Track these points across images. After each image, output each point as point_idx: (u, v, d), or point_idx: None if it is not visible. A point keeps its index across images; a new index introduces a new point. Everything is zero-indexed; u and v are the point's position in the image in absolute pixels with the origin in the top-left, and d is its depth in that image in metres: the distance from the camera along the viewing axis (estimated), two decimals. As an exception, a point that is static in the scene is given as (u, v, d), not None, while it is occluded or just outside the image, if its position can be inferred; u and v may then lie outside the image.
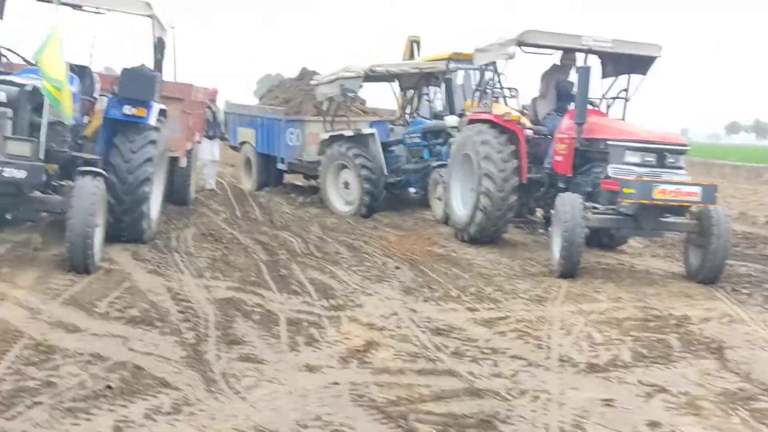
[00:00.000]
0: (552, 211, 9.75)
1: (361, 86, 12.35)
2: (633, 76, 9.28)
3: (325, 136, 12.56)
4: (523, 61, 9.35)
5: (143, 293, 6.02)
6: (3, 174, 5.99)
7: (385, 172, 12.00)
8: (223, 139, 14.08)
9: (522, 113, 9.70)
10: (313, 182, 14.76)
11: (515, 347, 5.39)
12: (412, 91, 13.79)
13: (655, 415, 4.24)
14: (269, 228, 10.07)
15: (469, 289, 7.09)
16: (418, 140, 12.18)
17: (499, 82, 9.75)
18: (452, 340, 5.47)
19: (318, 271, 7.51)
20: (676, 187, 7.45)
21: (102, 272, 6.58)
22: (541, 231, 10.37)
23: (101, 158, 7.66)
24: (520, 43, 8.67)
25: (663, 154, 7.87)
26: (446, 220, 10.71)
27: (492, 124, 9.32)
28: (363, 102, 14.86)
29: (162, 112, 8.45)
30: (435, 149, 11.98)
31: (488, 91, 9.76)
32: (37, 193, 6.54)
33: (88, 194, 6.35)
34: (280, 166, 14.28)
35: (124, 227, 7.74)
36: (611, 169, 7.97)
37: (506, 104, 9.77)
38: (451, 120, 11.35)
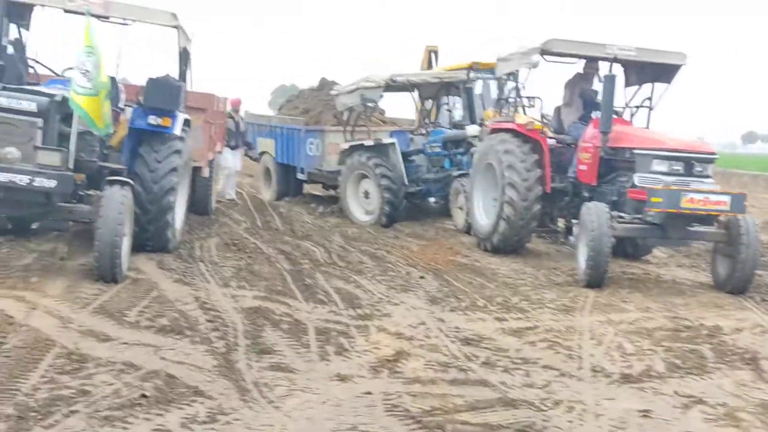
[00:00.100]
0: (574, 221, 9.75)
1: (381, 96, 12.37)
2: (657, 84, 9.21)
3: (346, 146, 12.57)
4: (542, 71, 9.33)
5: (171, 302, 6.03)
6: (33, 183, 6.03)
7: (406, 181, 11.99)
8: (249, 148, 14.09)
9: (542, 122, 9.66)
10: (332, 192, 14.80)
11: (546, 357, 5.34)
12: (430, 100, 13.81)
13: (694, 427, 4.18)
14: (291, 237, 10.07)
15: (496, 298, 7.04)
16: (438, 149, 12.17)
17: (521, 91, 9.72)
18: (482, 350, 5.43)
19: (342, 280, 7.49)
20: (704, 196, 7.37)
21: (129, 281, 6.59)
22: (562, 241, 10.30)
23: (126, 168, 7.70)
24: (544, 52, 8.64)
25: (691, 163, 7.80)
26: (468, 230, 10.67)
27: (515, 133, 9.29)
28: (382, 112, 14.87)
29: (186, 122, 8.49)
30: (456, 159, 11.96)
31: (510, 100, 9.73)
32: (66, 203, 6.57)
33: (117, 204, 6.37)
34: (300, 176, 14.30)
35: (149, 237, 7.75)
36: (638, 178, 7.91)
37: (525, 113, 9.74)
38: (472, 129, 11.34)
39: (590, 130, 8.84)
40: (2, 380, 4.07)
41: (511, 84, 9.82)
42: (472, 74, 12.29)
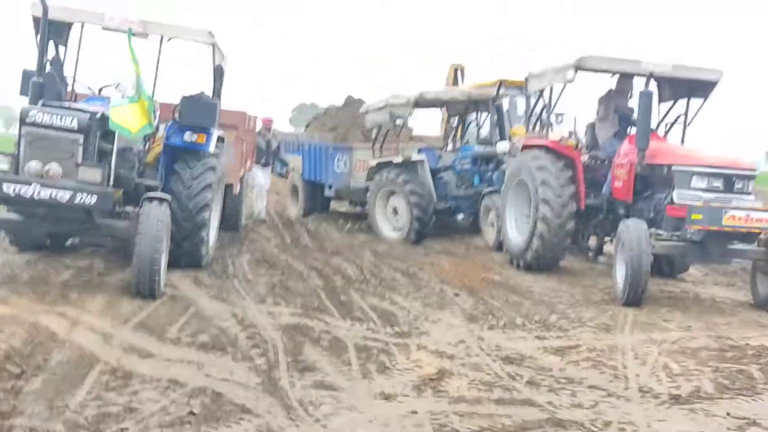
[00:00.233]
0: (607, 238, 9.64)
1: (410, 113, 12.37)
2: (693, 100, 9.11)
3: (374, 162, 12.57)
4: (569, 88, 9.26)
5: (210, 319, 6.02)
6: (75, 200, 6.06)
7: (434, 198, 11.95)
8: (284, 165, 14.10)
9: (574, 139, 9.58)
10: (358, 208, 14.80)
11: (591, 377, 5.24)
12: (457, 117, 13.79)
13: (751, 450, 4.07)
14: (321, 254, 10.05)
15: (533, 317, 6.95)
16: (468, 166, 12.12)
17: (552, 107, 9.68)
18: (525, 369, 5.35)
19: (377, 297, 7.44)
20: (746, 213, 7.25)
21: (167, 298, 6.60)
22: (593, 258, 10.18)
23: (161, 184, 7.74)
24: (578, 68, 8.59)
25: (731, 180, 7.69)
26: (499, 247, 10.59)
27: (547, 149, 9.22)
28: (410, 129, 14.88)
29: (220, 139, 8.53)
30: (486, 175, 11.90)
31: (543, 116, 9.68)
32: (104, 219, 6.60)
33: (155, 220, 6.39)
34: (328, 192, 14.32)
35: (184, 253, 7.76)
36: (677, 195, 7.80)
37: (553, 130, 9.70)
38: (502, 146, 11.28)
39: (625, 146, 8.75)
40: (50, 397, 4.07)
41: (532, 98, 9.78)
42: (502, 91, 12.25)
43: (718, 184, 7.67)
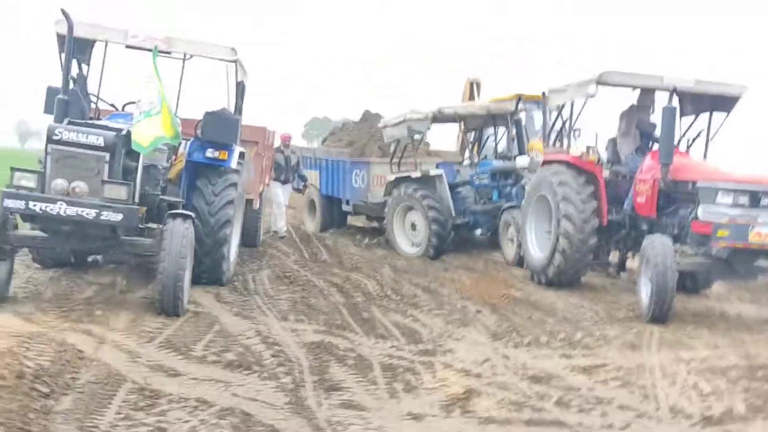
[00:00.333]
0: (630, 254, 9.55)
1: (429, 128, 12.37)
2: (714, 113, 9.05)
3: (392, 177, 12.56)
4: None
5: (234, 337, 6.00)
6: (101, 217, 6.08)
7: (453, 213, 11.92)
8: (303, 181, 14.09)
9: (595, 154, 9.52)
10: (375, 223, 14.78)
11: (621, 397, 5.17)
12: (473, 132, 13.76)
13: (790, 474, 3.98)
14: (340, 270, 10.02)
15: (558, 334, 6.88)
16: (487, 181, 12.08)
17: (568, 122, 9.64)
18: (553, 388, 5.28)
19: (399, 314, 7.41)
20: (773, 229, 7.16)
21: (190, 315, 6.60)
22: (614, 274, 10.08)
23: (183, 200, 7.76)
24: (600, 83, 8.55)
25: (757, 196, 7.60)
26: (519, 262, 10.53)
27: (568, 164, 9.18)
28: (427, 144, 14.86)
29: (241, 155, 8.55)
30: (505, 190, 11.86)
31: (564, 131, 9.64)
32: (129, 236, 6.61)
33: (180, 237, 6.40)
34: (345, 207, 14.31)
35: (205, 269, 7.77)
36: (701, 211, 7.72)
37: (571, 144, 9.65)
38: (521, 161, 11.24)
39: (648, 162, 8.69)
40: (80, 416, 4.06)
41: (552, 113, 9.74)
42: (520, 105, 12.22)
43: (744, 200, 7.58)
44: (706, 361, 6.19)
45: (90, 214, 6.08)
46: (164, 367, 5.07)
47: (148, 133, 6.53)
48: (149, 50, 7.27)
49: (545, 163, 9.65)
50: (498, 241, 11.54)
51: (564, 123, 9.67)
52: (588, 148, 9.69)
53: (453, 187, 12.26)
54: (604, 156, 9.58)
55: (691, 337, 7.03)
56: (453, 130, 16.07)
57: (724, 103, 8.91)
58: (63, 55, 7.33)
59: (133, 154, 6.56)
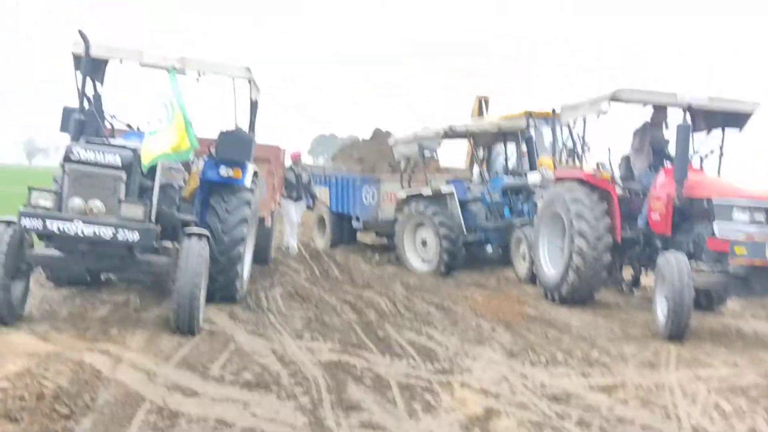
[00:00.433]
0: (643, 271, 9.51)
1: (440, 145, 12.39)
2: (727, 130, 9.03)
3: (403, 194, 12.57)
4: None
5: (250, 355, 5.98)
6: (117, 236, 6.09)
7: (464, 230, 11.90)
8: (314, 199, 14.11)
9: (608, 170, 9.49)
10: (384, 240, 14.76)
11: (642, 416, 5.13)
12: (482, 148, 13.77)
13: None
14: (352, 287, 10.00)
15: (575, 352, 6.84)
16: (498, 198, 12.07)
17: (579, 139, 9.63)
18: (573, 408, 5.24)
19: (413, 332, 7.37)
20: (790, 246, 7.11)
21: (205, 333, 6.58)
22: (627, 291, 10.02)
23: (196, 219, 7.76)
24: (614, 100, 8.55)
25: (774, 213, 7.56)
26: (531, 279, 10.48)
27: (581, 181, 9.16)
28: (437, 161, 14.88)
29: (255, 174, 8.56)
30: (516, 207, 11.84)
31: (576, 147, 9.63)
32: (145, 255, 6.61)
33: (196, 256, 6.40)
34: (355, 224, 14.31)
35: (219, 287, 7.76)
36: (717, 228, 7.68)
37: (581, 161, 9.63)
38: (533, 177, 11.24)
39: (661, 178, 8.67)
40: (100, 438, 4.04)
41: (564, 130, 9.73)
42: (531, 121, 12.23)
43: (761, 217, 7.55)
44: (725, 379, 6.14)
45: (107, 233, 6.09)
46: (182, 386, 5.05)
47: (151, 150, 6.55)
48: (165, 69, 7.31)
49: (558, 180, 9.63)
50: (509, 258, 11.51)
51: (575, 139, 9.66)
52: (598, 164, 9.67)
53: (464, 204, 12.25)
54: (617, 172, 9.55)
55: (708, 355, 6.97)
56: (461, 146, 16.11)
57: (736, 119, 8.89)
58: (78, 74, 7.38)
59: (149, 173, 6.57)
